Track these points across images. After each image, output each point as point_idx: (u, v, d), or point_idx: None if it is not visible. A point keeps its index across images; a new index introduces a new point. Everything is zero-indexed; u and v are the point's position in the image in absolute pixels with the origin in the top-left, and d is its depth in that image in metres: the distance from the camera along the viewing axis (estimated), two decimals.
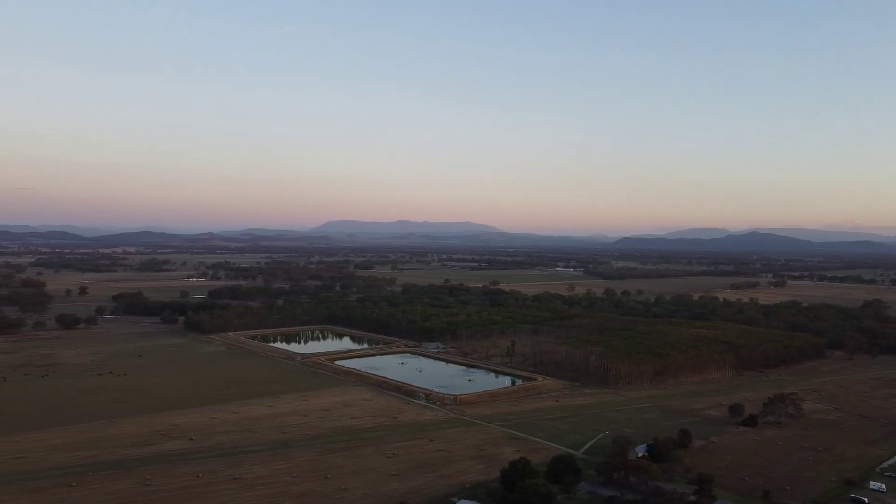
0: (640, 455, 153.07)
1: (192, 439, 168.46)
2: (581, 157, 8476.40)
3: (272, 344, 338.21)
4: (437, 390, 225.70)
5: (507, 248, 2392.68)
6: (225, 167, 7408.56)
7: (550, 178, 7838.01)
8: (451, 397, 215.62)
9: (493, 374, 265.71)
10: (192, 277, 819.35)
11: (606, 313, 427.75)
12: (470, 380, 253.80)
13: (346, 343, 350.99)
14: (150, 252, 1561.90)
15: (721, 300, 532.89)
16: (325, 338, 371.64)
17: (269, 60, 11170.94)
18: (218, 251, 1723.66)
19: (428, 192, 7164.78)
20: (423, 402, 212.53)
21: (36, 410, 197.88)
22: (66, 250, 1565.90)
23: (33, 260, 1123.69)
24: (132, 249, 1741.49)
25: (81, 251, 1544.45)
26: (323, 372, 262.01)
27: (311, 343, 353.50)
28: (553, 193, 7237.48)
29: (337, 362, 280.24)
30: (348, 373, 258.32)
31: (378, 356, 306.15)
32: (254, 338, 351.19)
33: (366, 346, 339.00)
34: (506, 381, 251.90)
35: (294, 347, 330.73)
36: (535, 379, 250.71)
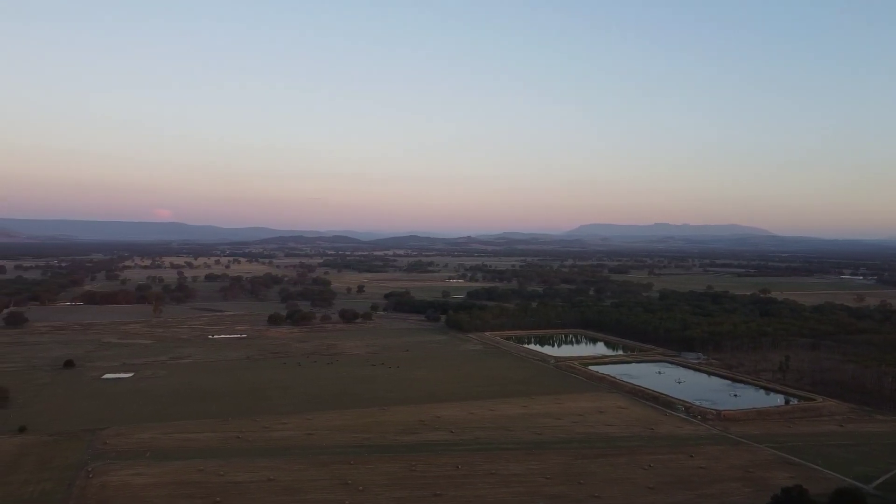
0: None
1: (452, 432, 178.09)
2: (867, 141, 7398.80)
3: (526, 345, 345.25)
4: (697, 403, 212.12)
5: (779, 252, 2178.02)
6: (483, 173, 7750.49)
7: (830, 171, 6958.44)
8: (714, 412, 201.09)
9: (762, 391, 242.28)
10: (453, 278, 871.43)
11: None
12: (735, 395, 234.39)
13: (600, 348, 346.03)
14: (416, 254, 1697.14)
15: None
16: (578, 342, 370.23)
17: (520, 70, 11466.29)
18: (476, 254, 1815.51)
19: (689, 193, 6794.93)
20: (682, 415, 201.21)
21: (323, 393, 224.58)
22: (346, 252, 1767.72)
23: (321, 261, 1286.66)
24: (401, 252, 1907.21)
25: (359, 253, 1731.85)
26: (576, 376, 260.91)
27: (564, 346, 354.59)
28: (836, 189, 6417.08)
29: (591, 367, 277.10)
30: (602, 379, 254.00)
31: (633, 363, 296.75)
32: (508, 338, 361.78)
33: (620, 352, 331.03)
34: (777, 400, 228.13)
35: (547, 350, 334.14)
36: (813, 399, 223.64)
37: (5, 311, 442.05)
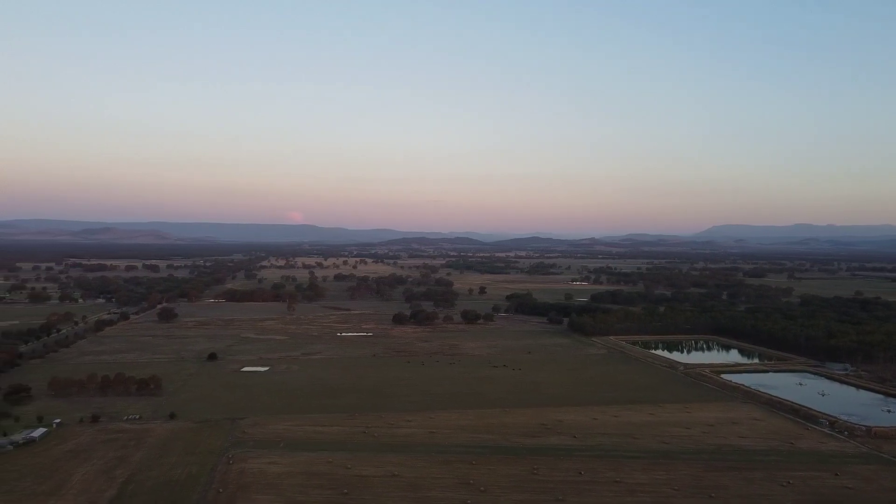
0: None
1: (574, 437, 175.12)
2: None
3: (653, 351, 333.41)
4: (844, 418, 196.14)
5: None
6: (608, 173, 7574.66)
7: None
8: (863, 428, 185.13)
9: None
10: (576, 281, 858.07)
11: None
12: (889, 411, 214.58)
13: (733, 356, 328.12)
14: (538, 256, 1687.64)
15: None
16: (709, 348, 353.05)
17: (643, 72, 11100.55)
18: (600, 256, 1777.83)
19: (833, 191, 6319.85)
20: (825, 430, 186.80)
21: (446, 393, 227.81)
22: (468, 254, 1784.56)
23: (444, 262, 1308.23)
24: (523, 253, 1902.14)
25: (481, 255, 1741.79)
26: (707, 384, 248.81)
27: (693, 353, 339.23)
28: None
29: (723, 376, 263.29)
30: (735, 388, 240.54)
31: (770, 373, 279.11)
32: (634, 343, 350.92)
33: (756, 360, 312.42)
34: None
35: (676, 356, 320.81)
36: None
37: (158, 306, 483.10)
